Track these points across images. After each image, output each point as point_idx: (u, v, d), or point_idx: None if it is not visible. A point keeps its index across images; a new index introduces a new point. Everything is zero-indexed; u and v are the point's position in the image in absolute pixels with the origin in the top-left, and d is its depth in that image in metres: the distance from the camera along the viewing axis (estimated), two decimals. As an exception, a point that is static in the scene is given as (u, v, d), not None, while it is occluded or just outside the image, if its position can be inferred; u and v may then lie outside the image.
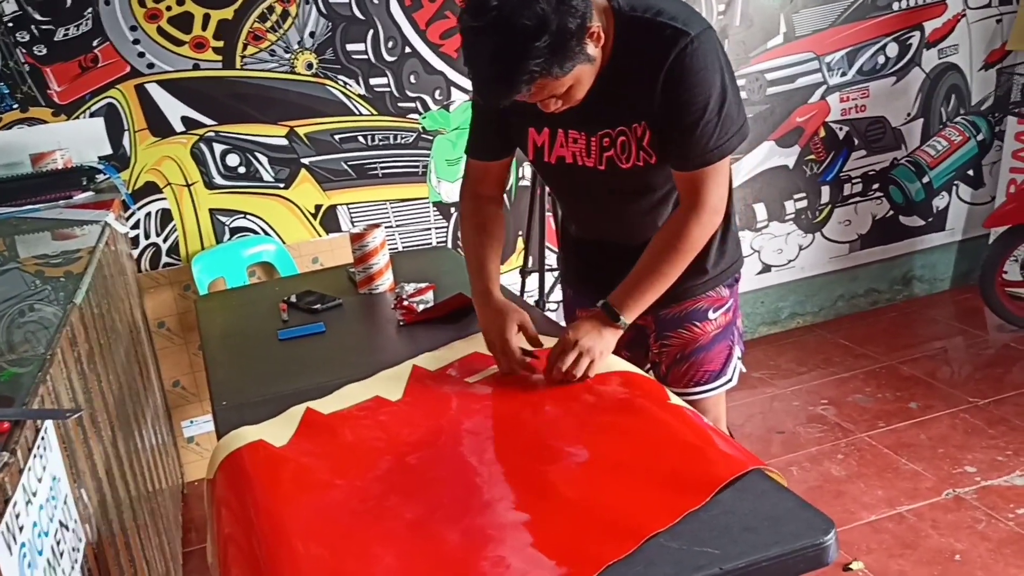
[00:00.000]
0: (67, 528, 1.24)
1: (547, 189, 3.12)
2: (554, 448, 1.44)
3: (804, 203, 4.02)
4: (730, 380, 1.94)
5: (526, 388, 1.64)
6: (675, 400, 1.54)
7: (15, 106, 3.02)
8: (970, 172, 4.26)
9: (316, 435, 1.53)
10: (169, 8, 3.09)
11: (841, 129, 3.99)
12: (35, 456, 1.14)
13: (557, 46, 1.39)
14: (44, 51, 3.01)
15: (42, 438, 1.19)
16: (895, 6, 3.90)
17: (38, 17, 2.98)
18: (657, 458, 1.36)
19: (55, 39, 3.01)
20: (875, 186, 4.12)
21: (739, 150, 3.77)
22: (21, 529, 1.03)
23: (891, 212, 4.18)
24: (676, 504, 1.21)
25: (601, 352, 1.62)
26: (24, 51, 2.99)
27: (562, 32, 1.38)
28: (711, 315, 1.88)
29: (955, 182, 4.24)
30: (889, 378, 3.57)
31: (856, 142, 4.03)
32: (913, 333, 3.99)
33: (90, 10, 3.01)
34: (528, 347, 1.71)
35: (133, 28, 3.07)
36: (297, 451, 1.48)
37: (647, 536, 1.15)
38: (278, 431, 1.54)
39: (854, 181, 4.08)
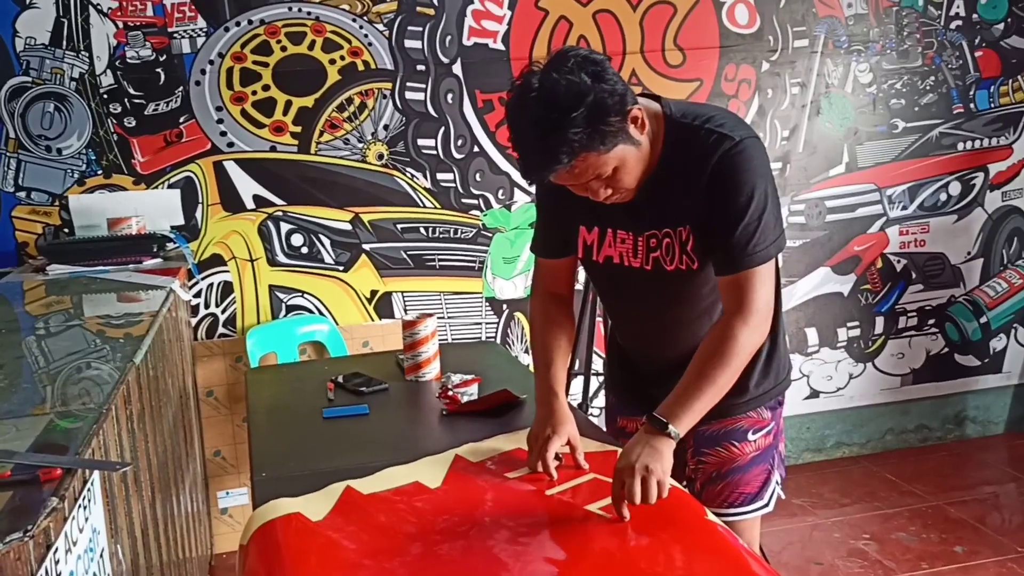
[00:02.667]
0: (100, 582, 1.26)
1: (600, 295, 3.16)
2: (586, 553, 1.43)
3: (857, 332, 3.99)
4: (766, 505, 1.89)
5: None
6: (711, 518, 1.52)
7: (99, 172, 3.17)
8: (1030, 316, 4.21)
9: (352, 514, 1.54)
10: (255, 93, 3.25)
11: (899, 261, 3.98)
12: (80, 506, 1.17)
13: (595, 119, 1.44)
14: (133, 123, 3.17)
15: (88, 489, 1.22)
16: (960, 146, 3.93)
17: (132, 91, 3.15)
18: (690, 574, 1.34)
19: (145, 113, 3.18)
20: (931, 321, 4.08)
21: (794, 273, 3.80)
22: (58, 576, 1.05)
23: (946, 349, 4.12)
24: None
25: (664, 469, 1.51)
26: (115, 121, 3.16)
27: (599, 105, 1.44)
28: (751, 436, 1.85)
29: (1014, 325, 4.18)
30: (935, 519, 3.46)
31: (914, 275, 4.01)
32: (963, 475, 3.88)
33: (181, 89, 3.19)
34: (564, 450, 1.71)
35: (219, 108, 3.23)
36: (332, 527, 1.49)
37: None
38: (316, 506, 1.55)
39: (910, 315, 4.05)
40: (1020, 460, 4.00)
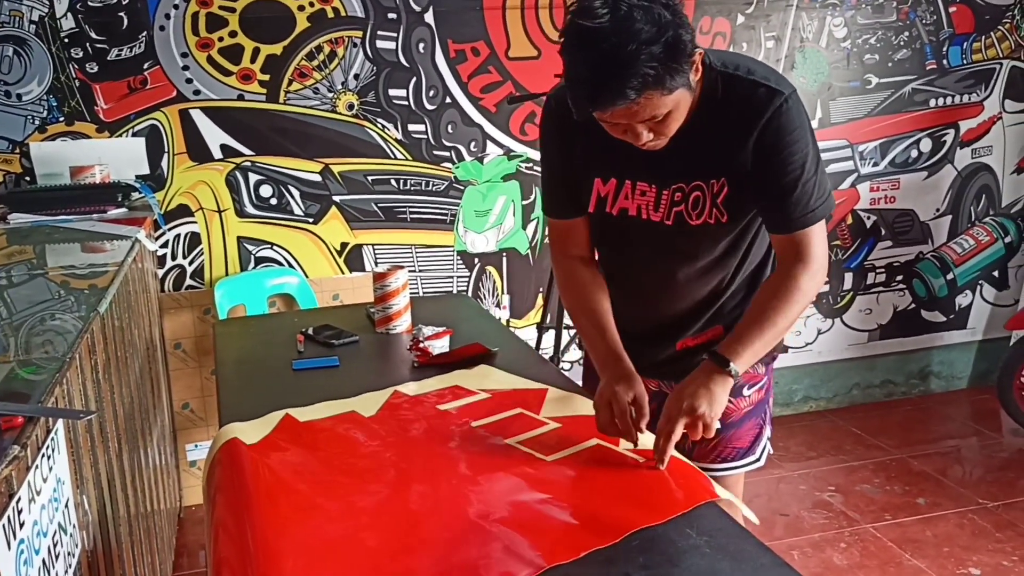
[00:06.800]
0: (65, 532, 1.25)
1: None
2: (508, 472, 1.49)
3: (826, 287, 4.02)
4: (758, 460, 1.87)
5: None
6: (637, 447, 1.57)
7: (61, 119, 3.09)
8: (995, 273, 4.25)
9: (287, 438, 1.63)
10: (221, 39, 3.17)
11: (869, 218, 4.00)
12: (43, 456, 1.15)
13: (671, 56, 1.33)
14: (96, 69, 3.09)
15: (52, 439, 1.20)
16: (932, 103, 3.94)
17: (94, 36, 3.06)
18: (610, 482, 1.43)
19: (108, 58, 3.09)
20: (899, 278, 4.12)
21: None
22: (22, 526, 1.04)
23: (913, 305, 4.17)
24: (625, 522, 1.28)
25: (714, 412, 1.51)
26: (76, 67, 3.07)
27: (677, 43, 1.34)
28: (746, 391, 1.82)
29: (979, 281, 4.24)
30: (899, 471, 3.53)
31: (883, 232, 4.04)
32: (927, 429, 3.95)
33: (145, 34, 3.10)
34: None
35: (184, 55, 3.15)
36: (265, 451, 1.57)
37: (591, 549, 1.22)
38: (253, 431, 1.64)
39: (878, 271, 4.08)
40: (982, 414, 4.08)
